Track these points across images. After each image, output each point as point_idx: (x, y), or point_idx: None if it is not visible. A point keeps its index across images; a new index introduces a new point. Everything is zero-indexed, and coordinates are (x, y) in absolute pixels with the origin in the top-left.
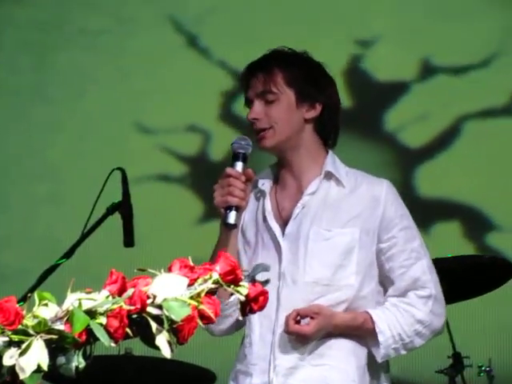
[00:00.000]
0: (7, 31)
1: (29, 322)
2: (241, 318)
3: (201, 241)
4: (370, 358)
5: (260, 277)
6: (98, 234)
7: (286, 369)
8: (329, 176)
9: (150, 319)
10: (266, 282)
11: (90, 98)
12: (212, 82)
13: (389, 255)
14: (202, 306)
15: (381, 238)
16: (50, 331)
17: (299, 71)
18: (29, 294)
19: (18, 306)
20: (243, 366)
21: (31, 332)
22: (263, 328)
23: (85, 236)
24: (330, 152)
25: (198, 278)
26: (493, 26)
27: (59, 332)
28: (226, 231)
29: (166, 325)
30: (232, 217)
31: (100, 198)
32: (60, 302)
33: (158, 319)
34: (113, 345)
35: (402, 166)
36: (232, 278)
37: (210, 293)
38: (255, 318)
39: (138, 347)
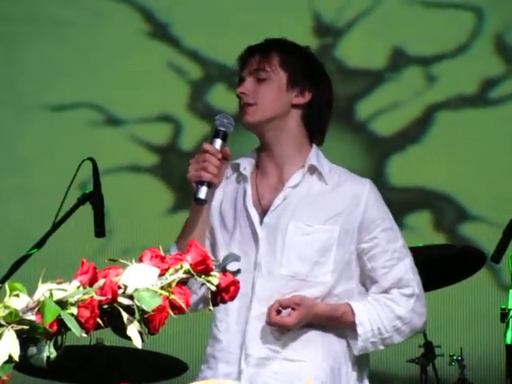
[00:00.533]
0: None
1: (0, 312)
2: (211, 308)
3: (171, 231)
4: (349, 354)
5: (230, 267)
6: (68, 224)
7: (257, 359)
8: (312, 170)
9: (121, 309)
10: (237, 271)
11: (58, 90)
12: (182, 71)
13: (371, 255)
14: (173, 296)
15: (362, 239)
16: (21, 322)
17: (295, 57)
18: (0, 285)
19: None
20: (216, 351)
21: (2, 322)
22: (240, 316)
23: (56, 226)
24: (315, 146)
25: (168, 268)
26: (465, 15)
27: (30, 322)
28: (196, 207)
29: (137, 315)
30: (203, 192)
31: (70, 188)
32: (31, 293)
33: (129, 309)
34: (84, 335)
35: (374, 155)
36: (203, 267)
37: (181, 283)
38: (234, 305)
39: (109, 337)
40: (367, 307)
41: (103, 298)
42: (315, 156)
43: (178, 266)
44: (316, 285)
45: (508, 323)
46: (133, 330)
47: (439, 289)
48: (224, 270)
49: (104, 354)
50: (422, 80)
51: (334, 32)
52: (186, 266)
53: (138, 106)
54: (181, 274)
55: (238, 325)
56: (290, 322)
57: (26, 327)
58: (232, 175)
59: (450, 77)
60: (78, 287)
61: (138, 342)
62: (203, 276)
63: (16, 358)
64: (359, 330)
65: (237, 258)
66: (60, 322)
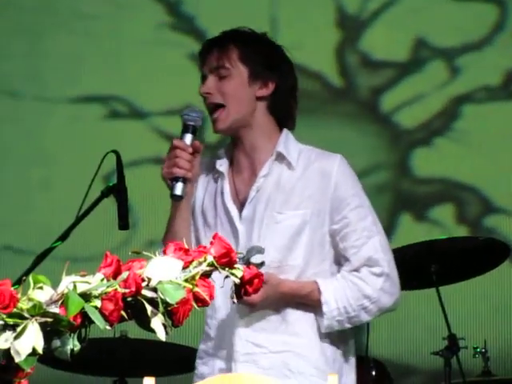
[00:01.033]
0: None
1: (24, 305)
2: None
3: None
4: (339, 342)
5: (255, 259)
6: (92, 217)
7: (243, 355)
8: (281, 158)
9: (144, 302)
10: (261, 264)
11: (82, 83)
12: None
13: (342, 235)
14: (196, 289)
15: (333, 219)
16: (45, 314)
17: (254, 49)
18: (24, 277)
19: (12, 289)
20: (209, 347)
21: (26, 315)
22: (225, 311)
23: (80, 219)
24: (285, 131)
25: (192, 260)
26: (489, 7)
27: (54, 315)
28: (175, 204)
29: (161, 307)
30: (178, 188)
31: (94, 181)
32: (55, 286)
33: (153, 302)
34: (108, 328)
35: (398, 147)
36: (227, 260)
37: (205, 275)
38: (217, 301)
39: (133, 330)
40: (334, 285)
41: (127, 291)
42: (283, 142)
43: (202, 259)
44: (288, 270)
45: None
46: (157, 322)
47: (463, 281)
48: (248, 263)
49: (128, 347)
50: (446, 72)
51: (358, 24)
52: (210, 258)
53: (161, 98)
54: (204, 267)
55: (224, 321)
56: (255, 300)
57: (49, 320)
58: (210, 173)
59: (475, 69)
60: (102, 280)
61: (161, 335)
62: (227, 269)
63: (40, 350)
64: (324, 308)
65: (260, 251)
66: (84, 314)
